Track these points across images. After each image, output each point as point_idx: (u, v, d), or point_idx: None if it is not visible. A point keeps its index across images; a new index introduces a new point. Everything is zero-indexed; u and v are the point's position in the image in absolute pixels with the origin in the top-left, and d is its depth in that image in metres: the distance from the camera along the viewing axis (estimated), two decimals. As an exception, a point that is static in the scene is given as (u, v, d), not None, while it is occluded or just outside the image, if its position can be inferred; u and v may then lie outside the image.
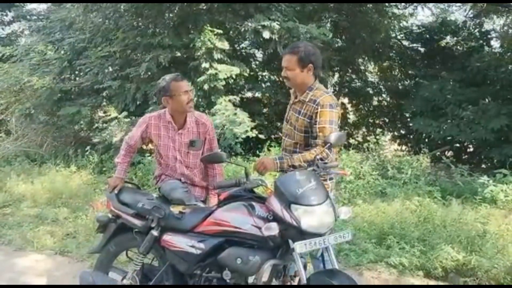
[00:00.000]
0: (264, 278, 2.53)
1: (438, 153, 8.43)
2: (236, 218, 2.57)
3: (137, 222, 2.95)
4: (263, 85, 10.20)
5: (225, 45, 7.56)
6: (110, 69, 8.69)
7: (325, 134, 2.75)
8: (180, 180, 3.21)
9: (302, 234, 2.35)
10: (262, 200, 2.61)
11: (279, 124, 11.01)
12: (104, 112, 8.29)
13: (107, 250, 3.17)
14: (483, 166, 7.88)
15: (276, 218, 2.43)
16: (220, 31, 7.53)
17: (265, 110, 10.26)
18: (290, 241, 2.39)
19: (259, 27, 7.37)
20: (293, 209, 2.36)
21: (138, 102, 8.07)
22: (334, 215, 2.44)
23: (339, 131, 2.86)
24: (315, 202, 2.38)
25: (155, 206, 2.87)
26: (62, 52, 9.70)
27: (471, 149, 9.31)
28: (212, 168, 3.33)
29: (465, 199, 5.75)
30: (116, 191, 3.12)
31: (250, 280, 2.57)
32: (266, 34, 7.32)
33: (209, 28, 7.42)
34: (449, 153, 8.60)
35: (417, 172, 6.65)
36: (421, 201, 5.32)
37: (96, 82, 8.56)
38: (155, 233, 2.84)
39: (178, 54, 7.97)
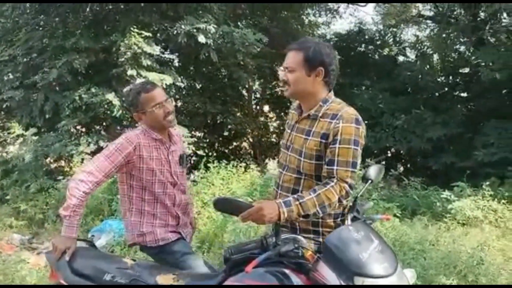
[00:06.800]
0: None
1: (374, 161, 8.28)
2: (264, 294, 1.83)
3: (104, 301, 2.07)
4: (184, 92, 9.47)
5: (155, 50, 6.63)
6: (11, 76, 7.32)
7: (348, 159, 1.93)
8: (177, 216, 2.50)
9: (372, 318, 1.69)
10: (297, 266, 1.90)
11: (209, 136, 10.26)
12: (5, 129, 6.87)
13: None
14: (426, 177, 7.86)
15: (327, 295, 1.75)
16: (149, 34, 6.56)
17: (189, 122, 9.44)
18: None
19: (194, 30, 6.59)
20: (358, 282, 1.70)
21: (47, 115, 6.80)
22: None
23: (377, 164, 2.24)
24: (386, 271, 1.73)
25: (134, 279, 2.02)
26: None
27: (408, 158, 9.34)
28: None
29: (423, 214, 5.52)
30: (67, 258, 2.19)
31: None
32: (201, 38, 6.57)
33: (136, 30, 6.43)
34: (400, 166, 8.50)
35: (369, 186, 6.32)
36: (391, 220, 4.93)
37: (-8, 92, 7.14)
38: (135, 318, 2.00)
39: (96, 59, 6.88)
